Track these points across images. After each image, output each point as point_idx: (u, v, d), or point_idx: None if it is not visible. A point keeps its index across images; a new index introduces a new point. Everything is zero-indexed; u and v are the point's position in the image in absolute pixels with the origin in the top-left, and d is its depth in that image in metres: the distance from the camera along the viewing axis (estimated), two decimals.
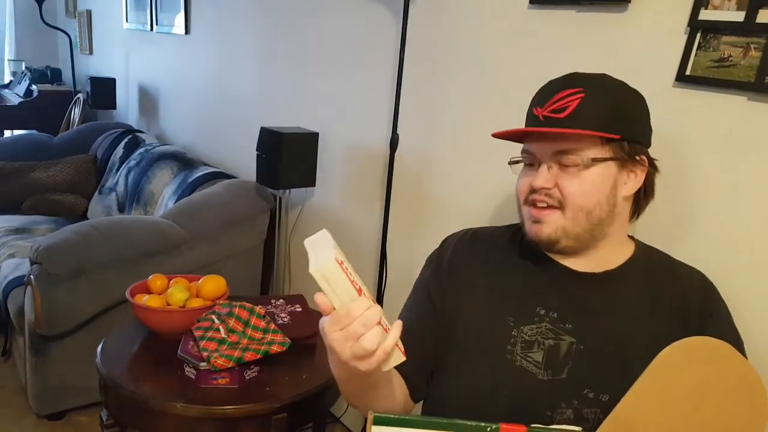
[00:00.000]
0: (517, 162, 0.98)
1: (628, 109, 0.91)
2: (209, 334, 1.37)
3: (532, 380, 0.91)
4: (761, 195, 1.12)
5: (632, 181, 0.92)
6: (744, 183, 1.14)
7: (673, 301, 0.93)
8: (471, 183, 1.68)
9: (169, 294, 1.53)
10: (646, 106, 0.94)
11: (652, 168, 0.95)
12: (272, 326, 1.45)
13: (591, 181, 0.88)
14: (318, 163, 2.24)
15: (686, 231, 1.23)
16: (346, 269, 0.71)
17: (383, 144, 1.90)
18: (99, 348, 1.48)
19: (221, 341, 1.36)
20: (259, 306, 1.51)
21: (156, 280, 1.59)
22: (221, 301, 1.52)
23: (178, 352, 1.38)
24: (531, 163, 0.94)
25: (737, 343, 0.91)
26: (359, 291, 0.72)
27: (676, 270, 0.98)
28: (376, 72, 1.96)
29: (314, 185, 2.27)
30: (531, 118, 0.94)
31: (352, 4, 2.04)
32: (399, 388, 1.00)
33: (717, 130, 1.17)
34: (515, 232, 1.04)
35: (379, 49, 1.94)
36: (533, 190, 0.91)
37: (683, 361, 0.77)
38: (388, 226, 1.88)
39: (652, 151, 0.96)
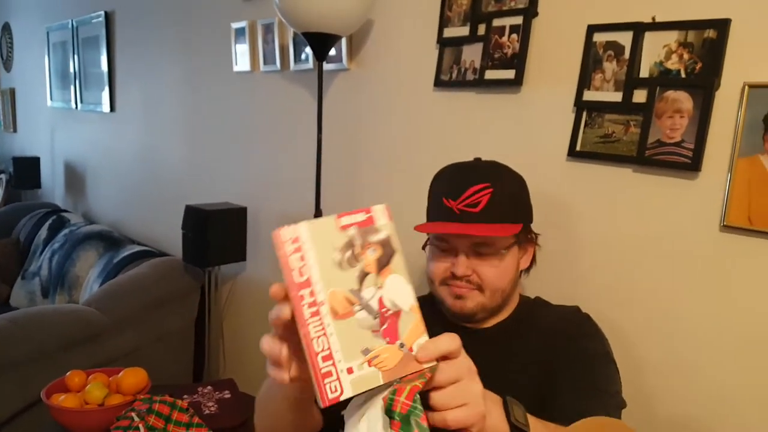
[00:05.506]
0: (431, 245, 1.06)
1: (523, 196, 1.05)
2: None
3: None
4: (643, 252, 1.20)
5: (526, 256, 1.08)
6: (632, 245, 1.22)
7: (543, 338, 1.01)
8: None
9: (86, 392, 1.46)
10: (527, 187, 1.07)
11: (536, 243, 1.09)
12: (196, 420, 1.40)
13: (505, 266, 1.01)
14: (248, 237, 2.23)
15: (578, 286, 1.30)
16: None
17: (311, 215, 1.92)
18: None
19: None
20: (184, 397, 1.47)
21: (74, 377, 1.52)
22: (141, 396, 1.46)
23: None
24: (446, 249, 1.02)
25: (591, 371, 0.94)
26: None
27: (551, 309, 1.08)
28: (299, 146, 2.00)
29: (245, 259, 2.25)
30: (445, 210, 1.00)
31: (274, 84, 2.09)
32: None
33: (606, 199, 1.25)
34: (432, 304, 1.06)
35: (300, 125, 1.99)
36: (454, 277, 1.00)
37: None
38: None
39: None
